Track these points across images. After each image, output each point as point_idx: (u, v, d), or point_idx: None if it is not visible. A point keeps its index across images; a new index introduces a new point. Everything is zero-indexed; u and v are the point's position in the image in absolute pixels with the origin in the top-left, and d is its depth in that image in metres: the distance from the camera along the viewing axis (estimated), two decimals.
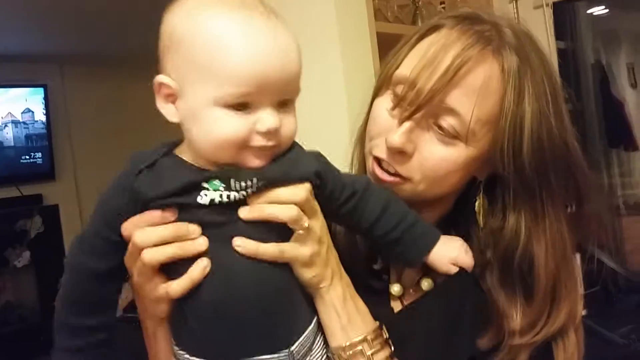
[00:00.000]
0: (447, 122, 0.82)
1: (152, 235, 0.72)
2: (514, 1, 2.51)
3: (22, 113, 5.04)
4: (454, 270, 0.85)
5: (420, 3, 2.43)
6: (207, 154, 0.72)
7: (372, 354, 0.81)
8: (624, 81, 4.67)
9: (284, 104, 0.73)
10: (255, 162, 0.73)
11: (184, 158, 0.74)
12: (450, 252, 0.86)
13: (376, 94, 0.93)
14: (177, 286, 0.72)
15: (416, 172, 0.85)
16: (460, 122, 0.82)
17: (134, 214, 0.72)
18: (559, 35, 2.70)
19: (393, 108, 0.86)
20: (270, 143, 0.72)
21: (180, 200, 0.71)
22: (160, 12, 0.74)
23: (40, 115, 5.13)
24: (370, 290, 0.92)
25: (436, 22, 0.88)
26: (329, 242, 0.82)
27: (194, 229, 0.71)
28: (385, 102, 0.88)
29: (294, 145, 0.77)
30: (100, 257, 0.74)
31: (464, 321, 0.85)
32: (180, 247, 0.71)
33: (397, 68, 0.88)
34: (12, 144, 5.02)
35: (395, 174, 0.87)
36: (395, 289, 0.95)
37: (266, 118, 0.71)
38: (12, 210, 4.87)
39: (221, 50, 0.68)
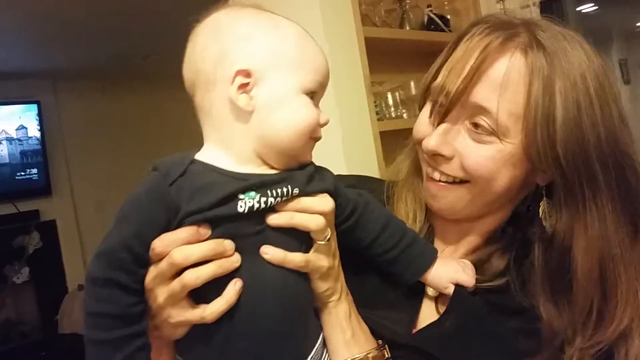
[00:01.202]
0: (480, 119, 0.82)
1: (192, 253, 0.69)
2: (502, 1, 2.51)
3: (16, 130, 5.05)
4: (451, 289, 0.85)
5: (407, 7, 2.44)
6: (284, 140, 0.74)
7: None
8: (617, 77, 4.69)
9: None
10: (310, 155, 0.80)
11: (213, 164, 0.74)
12: (448, 273, 0.86)
13: (420, 107, 0.95)
14: (214, 311, 0.70)
15: (461, 172, 0.86)
16: (491, 118, 0.81)
17: (170, 228, 0.70)
18: None
19: (430, 115, 0.89)
20: (321, 137, 0.79)
21: (220, 212, 0.70)
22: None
23: (34, 132, 5.13)
24: (404, 292, 0.91)
25: (467, 30, 0.88)
26: (339, 255, 0.84)
27: (229, 244, 0.71)
28: (425, 111, 0.91)
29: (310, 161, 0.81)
30: (129, 273, 0.69)
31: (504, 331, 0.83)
32: (220, 265, 0.70)
33: (433, 79, 0.90)
34: (7, 160, 5.02)
35: (447, 181, 0.88)
36: (430, 291, 0.92)
37: (323, 113, 0.79)
38: (10, 227, 4.86)
39: (308, 47, 0.78)
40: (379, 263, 0.87)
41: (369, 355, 0.82)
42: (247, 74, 0.74)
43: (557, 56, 0.81)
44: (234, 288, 0.71)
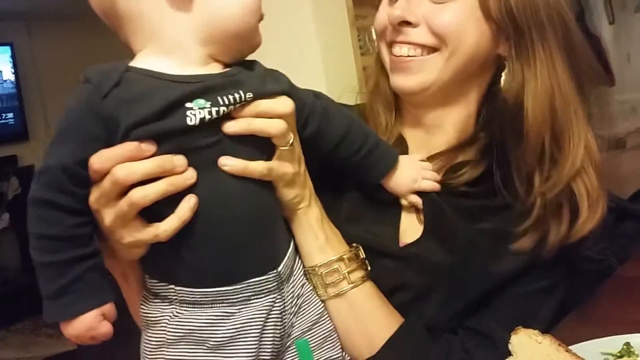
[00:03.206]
0: None
1: (135, 170, 0.64)
2: None
3: None
4: (413, 198, 0.88)
5: None
6: (234, 22, 0.69)
7: (348, 272, 0.82)
8: (602, 16, 4.65)
9: None
10: (260, 37, 0.73)
11: (152, 69, 0.67)
12: (407, 182, 0.87)
13: (376, 6, 0.96)
14: (167, 229, 0.66)
15: (431, 37, 0.86)
16: None
17: (108, 144, 0.65)
18: None
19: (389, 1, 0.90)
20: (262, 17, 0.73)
21: (166, 126, 0.64)
22: None
23: (8, 75, 5.01)
24: (384, 204, 0.92)
25: None
26: (304, 160, 0.81)
27: (180, 160, 0.66)
28: (384, 1, 0.93)
29: (258, 62, 0.75)
30: (68, 194, 0.65)
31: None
32: (170, 182, 0.65)
33: None
34: None
35: (417, 49, 0.87)
36: (404, 201, 0.93)
37: None
38: None
39: None
40: (344, 167, 0.86)
41: (344, 257, 0.82)
42: None
43: None
44: (187, 204, 0.67)
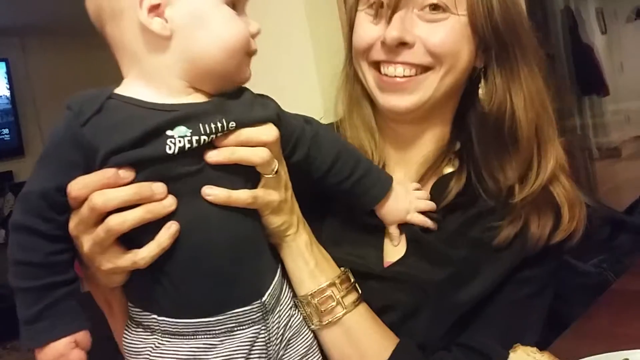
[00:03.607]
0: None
1: (113, 197, 0.63)
2: None
3: None
4: (394, 232, 0.89)
5: None
6: (214, 61, 0.67)
7: (341, 297, 0.80)
8: (594, 27, 4.68)
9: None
10: (248, 72, 0.71)
11: (133, 97, 0.66)
12: (399, 213, 0.87)
13: (351, 24, 0.93)
14: (145, 256, 0.65)
15: (428, 57, 0.86)
16: None
17: (87, 171, 0.64)
18: None
19: (375, 16, 0.88)
20: (256, 50, 0.71)
21: (145, 153, 0.63)
22: None
23: (3, 90, 5.02)
24: (367, 227, 0.91)
25: None
26: (291, 186, 0.80)
27: (159, 187, 0.64)
28: (364, 18, 0.90)
29: (245, 88, 0.74)
30: (47, 220, 0.64)
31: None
32: (149, 210, 0.64)
33: None
34: None
35: (413, 70, 0.87)
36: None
37: (252, 21, 0.70)
38: None
39: None
40: (336, 193, 0.85)
41: (336, 281, 0.81)
42: None
43: None
44: (167, 232, 0.65)
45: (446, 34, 0.85)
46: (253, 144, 0.70)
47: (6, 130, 5.06)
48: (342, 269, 0.83)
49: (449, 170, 0.94)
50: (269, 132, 0.71)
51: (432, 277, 0.85)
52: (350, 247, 0.89)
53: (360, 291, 0.83)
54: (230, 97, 0.70)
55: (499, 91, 0.89)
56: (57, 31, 5.10)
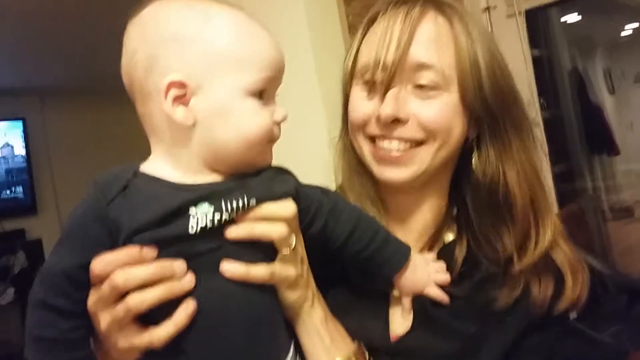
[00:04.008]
0: (424, 77, 0.86)
1: (135, 276, 0.65)
2: (487, 10, 2.53)
3: (1, 148, 5.00)
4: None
5: None
6: (234, 152, 0.69)
7: None
8: (602, 87, 4.72)
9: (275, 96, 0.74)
10: (269, 157, 0.74)
11: (158, 176, 0.69)
12: (417, 284, 0.86)
13: (346, 97, 0.96)
14: (162, 336, 0.66)
15: (421, 132, 0.87)
16: (435, 72, 0.86)
17: (111, 249, 0.66)
18: (534, 43, 2.71)
19: (369, 92, 0.90)
20: (279, 135, 0.73)
21: (168, 232, 0.65)
22: None
23: (19, 149, 5.09)
24: (371, 295, 0.90)
25: (374, 12, 0.93)
26: (307, 260, 0.80)
27: (180, 265, 0.66)
28: (359, 94, 0.92)
29: None
30: (67, 297, 0.66)
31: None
32: (168, 289, 0.65)
33: (355, 62, 0.92)
34: None
35: (407, 145, 0.88)
36: (396, 292, 0.92)
37: (279, 108, 0.72)
38: None
39: (248, 39, 0.69)
40: (352, 265, 0.85)
41: (352, 358, 0.80)
42: (180, 85, 0.67)
43: (466, 15, 0.91)
44: (185, 311, 0.66)
45: (439, 110, 0.87)
46: (271, 219, 0.70)
47: (20, 188, 5.13)
48: (356, 342, 0.82)
49: (449, 237, 0.94)
50: (287, 208, 0.73)
51: (441, 352, 0.84)
52: (357, 317, 0.89)
53: None
54: (251, 174, 0.72)
55: (492, 163, 0.91)
56: (75, 91, 5.22)
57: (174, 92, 0.67)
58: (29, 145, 5.17)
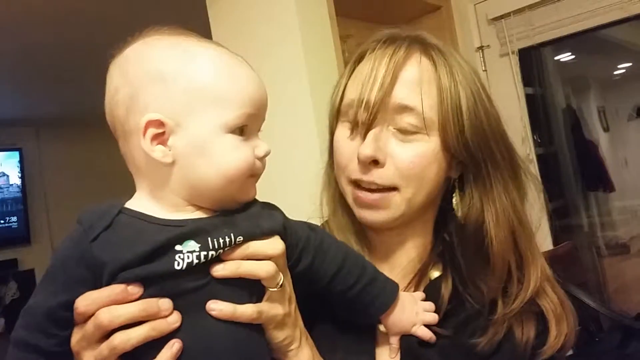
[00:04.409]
0: (404, 120, 0.86)
1: (120, 314, 0.63)
2: (481, 50, 2.56)
3: None
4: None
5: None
6: (215, 188, 0.68)
7: None
8: (596, 124, 4.76)
9: (258, 131, 0.74)
10: (253, 192, 0.73)
11: (144, 212, 0.68)
12: (406, 323, 0.84)
13: (331, 132, 0.96)
14: None
15: (396, 178, 0.87)
16: (416, 115, 0.86)
17: (94, 287, 0.64)
18: (527, 81, 2.75)
19: (352, 131, 0.90)
20: (263, 170, 0.72)
21: (154, 270, 0.63)
22: None
23: (15, 179, 5.10)
24: (358, 332, 0.89)
25: (362, 49, 0.93)
26: (295, 299, 0.79)
27: (165, 303, 0.64)
28: (343, 132, 0.92)
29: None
30: (49, 336, 0.64)
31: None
32: (153, 328, 0.64)
33: (342, 99, 0.92)
34: None
35: (380, 190, 0.88)
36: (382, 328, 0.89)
37: (261, 143, 0.72)
38: None
39: (229, 76, 0.69)
40: (339, 302, 0.83)
41: None
42: (159, 123, 0.66)
43: (451, 56, 0.90)
44: (170, 351, 0.64)
45: (414, 157, 0.87)
46: (259, 257, 0.69)
47: (14, 218, 5.11)
48: None
49: (435, 274, 0.93)
50: (275, 245, 0.71)
51: None
52: (343, 354, 0.87)
53: None
54: (237, 210, 0.71)
55: (475, 205, 0.90)
56: (72, 122, 5.25)
57: (152, 130, 0.66)
58: (25, 175, 5.18)
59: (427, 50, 0.90)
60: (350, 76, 0.93)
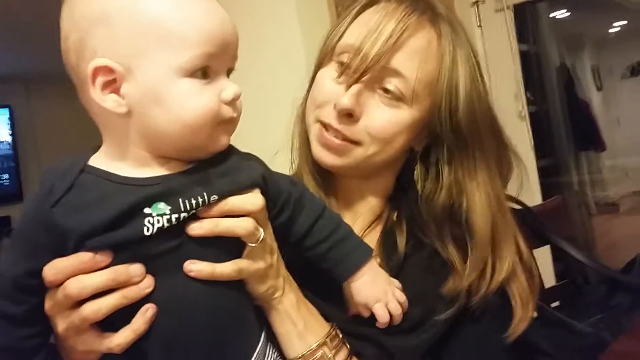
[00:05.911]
0: (393, 84, 0.86)
1: (88, 285, 0.61)
2: (476, 5, 2.53)
3: None
4: (365, 313, 0.81)
5: None
6: (178, 139, 0.62)
7: (333, 355, 0.78)
8: (590, 83, 4.75)
9: (229, 72, 0.68)
10: (224, 140, 0.67)
11: (109, 170, 0.63)
12: (370, 298, 0.78)
13: (318, 66, 0.95)
14: (120, 342, 0.62)
15: (364, 135, 0.87)
16: (405, 83, 0.86)
17: (59, 254, 0.61)
18: (522, 38, 2.73)
19: (339, 75, 0.89)
20: (234, 114, 0.66)
21: (121, 236, 0.59)
22: None
23: (5, 136, 5.06)
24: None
25: None
26: (277, 248, 0.77)
27: (136, 269, 0.61)
28: (329, 71, 0.91)
29: (230, 147, 0.70)
30: (19, 303, 0.62)
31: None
32: (124, 295, 0.61)
33: (339, 39, 0.91)
34: None
35: (344, 139, 0.88)
36: None
37: (228, 85, 0.64)
38: None
39: (181, 11, 0.61)
40: (312, 258, 0.79)
41: (327, 340, 0.78)
42: (107, 70, 0.60)
43: (457, 33, 0.90)
44: (143, 317, 0.61)
45: (388, 122, 0.87)
46: (237, 213, 0.67)
47: (6, 176, 5.09)
48: (331, 324, 0.81)
49: (391, 223, 0.95)
50: (254, 200, 0.69)
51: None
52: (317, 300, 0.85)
53: (349, 346, 0.81)
54: (212, 164, 0.66)
55: (448, 185, 0.90)
56: (61, 78, 5.14)
57: (101, 78, 0.60)
58: (15, 132, 5.13)
59: (436, 21, 0.89)
60: (355, 18, 0.91)
